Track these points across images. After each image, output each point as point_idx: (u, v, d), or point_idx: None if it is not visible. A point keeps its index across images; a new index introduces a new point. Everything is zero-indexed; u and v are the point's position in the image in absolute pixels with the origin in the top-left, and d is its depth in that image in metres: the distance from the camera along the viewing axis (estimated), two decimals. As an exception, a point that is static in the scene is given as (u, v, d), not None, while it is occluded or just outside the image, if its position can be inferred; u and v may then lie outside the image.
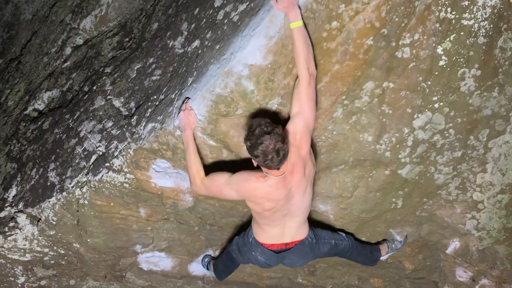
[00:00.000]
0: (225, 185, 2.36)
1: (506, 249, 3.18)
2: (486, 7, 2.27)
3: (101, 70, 3.41)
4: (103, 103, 3.07)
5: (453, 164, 2.75)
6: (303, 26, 2.08)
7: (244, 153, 2.54)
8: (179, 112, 2.35)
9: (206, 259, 3.34)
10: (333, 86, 2.35)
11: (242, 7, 2.34)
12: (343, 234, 2.94)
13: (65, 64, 3.77)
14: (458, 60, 2.37)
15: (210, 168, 2.51)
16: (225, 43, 2.33)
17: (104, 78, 3.27)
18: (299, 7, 2.08)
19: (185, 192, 2.81)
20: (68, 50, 3.81)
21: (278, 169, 2.20)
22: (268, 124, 2.12)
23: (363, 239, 3.21)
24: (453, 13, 2.24)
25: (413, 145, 2.62)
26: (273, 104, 2.33)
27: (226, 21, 2.42)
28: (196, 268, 3.47)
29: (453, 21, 2.26)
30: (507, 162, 2.78)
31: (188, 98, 2.36)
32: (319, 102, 2.40)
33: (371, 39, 2.22)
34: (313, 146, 2.59)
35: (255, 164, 2.25)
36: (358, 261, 3.18)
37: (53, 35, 3.99)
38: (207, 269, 3.31)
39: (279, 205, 2.38)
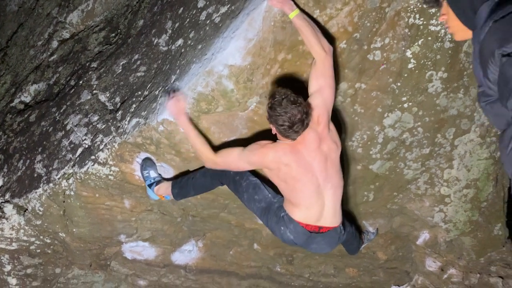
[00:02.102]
0: (238, 160, 2.39)
1: (471, 240, 3.36)
2: (452, 14, 2.41)
3: (87, 64, 3.48)
4: (89, 97, 3.16)
5: (422, 160, 2.91)
6: (301, 13, 2.17)
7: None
8: (167, 101, 2.39)
9: (152, 175, 2.83)
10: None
11: (223, 9, 2.45)
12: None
13: (52, 58, 3.82)
14: (426, 63, 2.52)
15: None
16: (207, 43, 2.44)
17: (90, 72, 3.35)
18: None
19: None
20: (54, 44, 3.86)
21: (293, 139, 2.29)
22: (294, 95, 2.17)
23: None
24: (421, 19, 2.39)
25: (383, 142, 2.77)
26: (252, 103, 2.45)
27: (208, 22, 2.53)
28: (179, 257, 3.58)
29: (421, 26, 2.41)
30: (472, 159, 2.96)
31: (173, 89, 2.43)
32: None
33: (344, 43, 2.36)
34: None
35: (274, 131, 2.31)
36: (350, 249, 3.26)
37: (40, 28, 4.03)
38: (149, 186, 2.84)
39: (292, 173, 2.35)
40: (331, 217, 2.50)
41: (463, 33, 1.79)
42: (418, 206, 3.21)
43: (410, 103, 2.64)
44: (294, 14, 2.15)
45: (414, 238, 3.51)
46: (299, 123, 2.18)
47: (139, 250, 3.46)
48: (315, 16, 2.24)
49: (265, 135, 2.61)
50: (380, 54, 2.45)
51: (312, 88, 2.30)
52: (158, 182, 2.82)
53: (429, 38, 2.45)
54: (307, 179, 2.37)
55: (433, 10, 2.38)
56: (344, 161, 2.91)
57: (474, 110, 2.76)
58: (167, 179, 2.87)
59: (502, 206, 3.27)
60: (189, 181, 2.75)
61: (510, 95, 1.46)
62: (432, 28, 2.43)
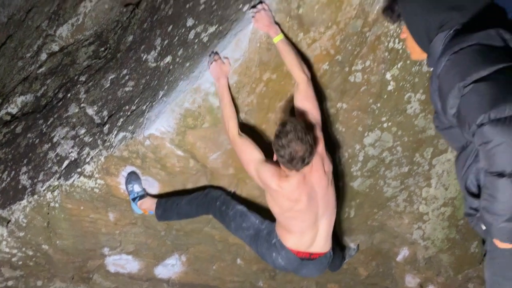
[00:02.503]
0: (251, 163, 2.34)
1: (449, 257, 3.46)
2: (430, 39, 2.54)
3: (76, 78, 3.52)
4: (76, 110, 3.20)
5: (401, 178, 3.01)
6: (285, 38, 2.25)
7: (210, 163, 2.73)
8: (209, 63, 2.33)
9: (136, 189, 2.82)
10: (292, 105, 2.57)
11: (211, 29, 2.54)
12: None
13: (40, 70, 3.84)
14: (405, 85, 2.64)
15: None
16: (194, 61, 2.52)
17: (78, 86, 3.39)
18: (277, 23, 2.26)
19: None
20: (43, 56, 3.89)
21: (298, 170, 2.22)
22: (304, 130, 2.11)
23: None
24: (400, 43, 2.49)
25: (364, 160, 2.86)
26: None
27: (196, 40, 2.61)
28: (162, 271, 3.59)
29: (400, 51, 2.52)
30: (449, 178, 3.06)
31: (216, 52, 2.35)
32: (281, 119, 2.60)
33: (327, 64, 2.46)
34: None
35: (275, 158, 2.26)
36: (332, 266, 3.24)
37: (29, 40, 4.05)
38: (133, 200, 2.86)
39: (299, 205, 2.32)
40: (322, 243, 2.51)
41: (418, 54, 1.87)
42: (398, 223, 3.29)
43: (389, 123, 2.75)
44: (278, 38, 2.23)
45: (394, 255, 3.59)
46: (300, 161, 2.12)
47: (122, 263, 3.47)
48: (298, 39, 2.33)
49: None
50: (361, 76, 2.55)
51: (299, 111, 2.33)
52: (141, 197, 2.84)
53: (408, 62, 2.56)
54: (310, 209, 2.37)
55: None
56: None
57: (450, 131, 2.87)
58: (152, 195, 2.90)
59: (478, 224, 3.37)
60: (173, 206, 2.79)
61: (471, 127, 1.49)
62: (393, 45, 2.53)
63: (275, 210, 2.43)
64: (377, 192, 3.06)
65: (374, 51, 2.49)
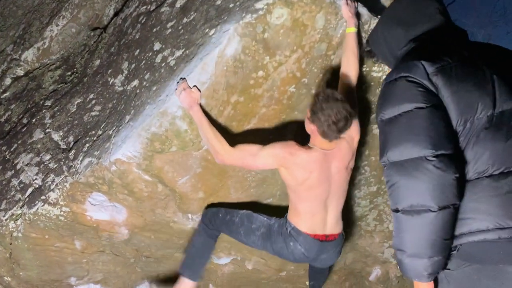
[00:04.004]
0: (260, 152, 2.29)
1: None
2: (393, 61, 2.61)
3: (41, 102, 3.45)
4: (41, 136, 3.12)
5: (370, 197, 3.04)
6: (356, 33, 2.39)
7: (179, 188, 2.69)
8: (178, 93, 2.30)
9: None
10: (260, 127, 2.58)
11: (178, 53, 2.54)
12: None
13: (4, 95, 3.76)
14: (370, 106, 2.69)
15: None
16: (161, 85, 2.51)
17: (44, 111, 3.32)
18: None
19: (120, 225, 2.89)
20: (7, 81, 3.82)
21: (331, 141, 2.25)
22: (339, 94, 2.20)
23: (292, 267, 3.40)
24: (364, 66, 2.56)
25: (333, 181, 2.88)
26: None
27: (163, 64, 2.61)
28: (132, 299, 3.49)
29: (365, 73, 2.58)
30: (417, 196, 3.11)
31: (184, 78, 2.34)
32: (250, 141, 2.60)
33: (293, 87, 2.49)
34: (243, 180, 2.79)
35: (313, 131, 2.26)
36: (322, 280, 3.26)
37: (-7, 65, 3.98)
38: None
39: (312, 180, 2.31)
40: (334, 223, 2.51)
41: None
42: (369, 242, 3.31)
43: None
44: (352, 30, 2.36)
45: (367, 274, 3.60)
46: (344, 121, 2.15)
47: (90, 293, 3.36)
48: (265, 62, 2.36)
49: (220, 175, 2.67)
50: (328, 97, 2.59)
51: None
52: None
53: (372, 83, 2.63)
54: (321, 189, 2.37)
55: (375, 58, 2.57)
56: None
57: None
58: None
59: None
60: (189, 256, 2.79)
61: (382, 155, 1.59)
62: (374, 74, 2.61)
63: (290, 184, 2.38)
64: (348, 211, 3.08)
65: (338, 73, 2.54)
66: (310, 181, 2.32)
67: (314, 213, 2.42)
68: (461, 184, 1.48)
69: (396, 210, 1.52)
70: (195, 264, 2.79)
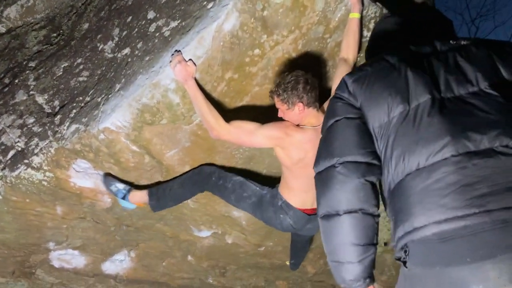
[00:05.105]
0: (256, 131, 2.32)
1: (393, 257, 3.62)
2: (386, 49, 2.64)
3: (24, 63, 3.34)
4: (25, 98, 3.04)
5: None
6: (359, 20, 2.42)
7: (166, 160, 2.69)
8: (173, 66, 2.26)
9: (121, 186, 2.76)
10: (252, 106, 2.59)
11: (173, 24, 2.49)
12: None
13: (-16, 52, 3.63)
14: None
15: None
16: (155, 56, 2.47)
17: (27, 72, 3.22)
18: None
19: (103, 193, 2.88)
20: (-12, 37, 3.68)
21: (316, 107, 2.35)
22: (284, 74, 2.31)
23: (271, 243, 3.49)
24: (359, 53, 2.58)
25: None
26: (197, 117, 2.50)
27: (157, 34, 2.56)
28: (110, 267, 3.51)
29: (358, 58, 2.60)
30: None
31: (179, 51, 2.31)
32: (241, 118, 2.59)
33: (288, 67, 2.49)
34: (231, 157, 2.81)
35: (297, 110, 2.31)
36: (299, 256, 3.36)
37: (-28, 19, 3.82)
38: (123, 199, 2.77)
39: (309, 159, 2.32)
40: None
41: None
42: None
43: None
44: (355, 15, 2.37)
45: (341, 254, 3.71)
46: (311, 80, 2.27)
47: (68, 258, 3.35)
48: (262, 40, 2.35)
49: (209, 151, 2.68)
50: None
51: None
52: (129, 191, 2.76)
53: (365, 70, 2.65)
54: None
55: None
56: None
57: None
58: (136, 186, 2.83)
59: (420, 227, 3.56)
60: (166, 192, 2.72)
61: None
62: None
63: (286, 163, 2.43)
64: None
65: (333, 57, 2.56)
66: (306, 160, 2.35)
67: (306, 190, 2.48)
68: (371, 189, 1.50)
69: (319, 216, 1.59)
70: (165, 203, 2.77)
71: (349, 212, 1.48)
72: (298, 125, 2.37)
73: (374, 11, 2.51)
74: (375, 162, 1.53)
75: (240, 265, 3.75)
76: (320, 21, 2.39)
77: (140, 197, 2.77)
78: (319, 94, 2.37)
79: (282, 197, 2.54)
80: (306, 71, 2.31)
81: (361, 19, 2.42)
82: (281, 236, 3.44)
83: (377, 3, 2.53)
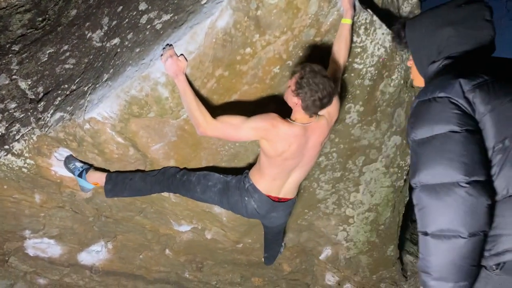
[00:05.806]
0: (242, 124, 2.30)
1: (368, 259, 3.70)
2: (374, 55, 2.70)
3: (7, 46, 3.27)
4: (7, 82, 2.97)
5: (333, 182, 3.16)
6: (351, 26, 2.47)
7: (151, 153, 2.68)
8: (165, 60, 2.25)
9: (79, 164, 2.72)
10: (240, 104, 2.60)
11: (166, 17, 2.48)
12: None
13: (-36, 32, 3.52)
14: (347, 96, 2.77)
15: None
16: (145, 48, 2.45)
17: (10, 55, 3.15)
18: None
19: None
20: (-31, 17, 3.57)
21: (311, 116, 2.31)
22: (325, 70, 2.24)
23: (249, 240, 3.51)
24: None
25: (302, 163, 2.97)
26: (185, 112, 2.50)
27: (149, 26, 2.54)
28: (86, 257, 3.47)
29: (347, 63, 2.65)
30: (376, 186, 3.28)
31: (171, 45, 2.31)
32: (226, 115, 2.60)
33: (277, 68, 2.51)
34: (216, 154, 2.82)
35: (295, 102, 2.28)
36: (272, 252, 3.38)
37: (-48, -2, 3.70)
38: (80, 176, 2.72)
39: (290, 152, 2.37)
40: (289, 190, 2.62)
41: (420, 82, 1.81)
42: (325, 224, 3.46)
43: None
44: (347, 21, 2.42)
45: (317, 253, 3.77)
46: (328, 98, 2.23)
47: (43, 247, 3.30)
48: (254, 40, 2.36)
49: (194, 146, 2.68)
50: (309, 82, 2.64)
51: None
52: (87, 170, 2.71)
53: (352, 74, 2.70)
54: (294, 161, 2.45)
55: (358, 50, 2.64)
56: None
57: (382, 143, 3.07)
58: (96, 168, 2.77)
59: (396, 230, 3.66)
60: (125, 181, 2.69)
61: (413, 177, 1.56)
62: (356, 65, 2.68)
63: (269, 153, 2.41)
64: (310, 193, 3.20)
65: (323, 61, 2.58)
66: (288, 153, 2.39)
67: (276, 178, 2.52)
68: (492, 212, 1.46)
69: (425, 233, 1.51)
70: (120, 191, 2.74)
71: (474, 235, 1.43)
72: (285, 119, 2.38)
73: (364, 17, 2.56)
74: (493, 181, 1.48)
75: (217, 261, 3.76)
76: (312, 24, 2.42)
77: (97, 177, 2.73)
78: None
79: (250, 180, 2.57)
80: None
81: (353, 25, 2.47)
82: (260, 233, 3.47)
83: (368, 10, 2.58)
